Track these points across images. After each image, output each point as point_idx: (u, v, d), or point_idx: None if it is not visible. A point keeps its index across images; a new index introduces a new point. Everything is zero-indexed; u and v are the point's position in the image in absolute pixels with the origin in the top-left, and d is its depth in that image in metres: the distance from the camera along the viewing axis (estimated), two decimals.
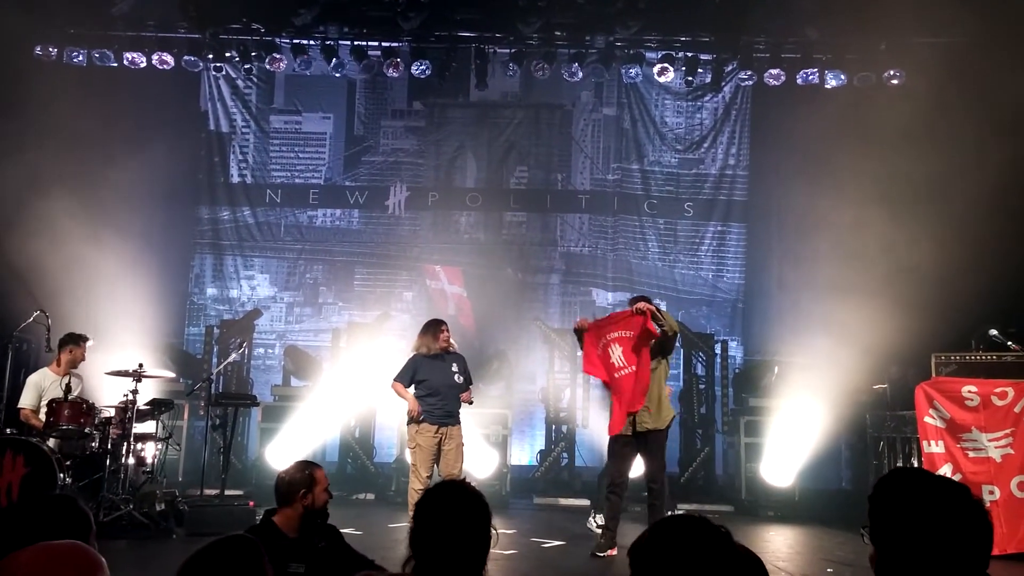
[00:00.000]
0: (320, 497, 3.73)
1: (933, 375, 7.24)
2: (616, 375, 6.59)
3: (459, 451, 6.78)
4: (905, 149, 8.82)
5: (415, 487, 6.69)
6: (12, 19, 9.08)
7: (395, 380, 6.78)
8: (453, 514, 2.24)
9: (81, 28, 10.59)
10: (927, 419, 6.80)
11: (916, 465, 7.39)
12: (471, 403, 6.92)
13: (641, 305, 6.55)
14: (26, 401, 7.21)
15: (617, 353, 6.58)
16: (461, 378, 6.74)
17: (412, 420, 6.70)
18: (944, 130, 8.44)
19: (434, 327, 6.86)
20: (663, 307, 7.67)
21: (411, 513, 6.74)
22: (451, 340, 6.90)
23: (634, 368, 6.53)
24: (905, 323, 8.65)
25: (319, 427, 9.60)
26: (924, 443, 6.80)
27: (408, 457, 6.98)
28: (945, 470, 6.56)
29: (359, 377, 9.56)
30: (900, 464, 7.82)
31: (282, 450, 9.29)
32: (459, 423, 6.82)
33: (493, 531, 2.33)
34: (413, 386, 6.77)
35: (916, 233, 8.44)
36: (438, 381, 6.70)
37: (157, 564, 5.82)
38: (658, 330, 6.42)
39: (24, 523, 2.21)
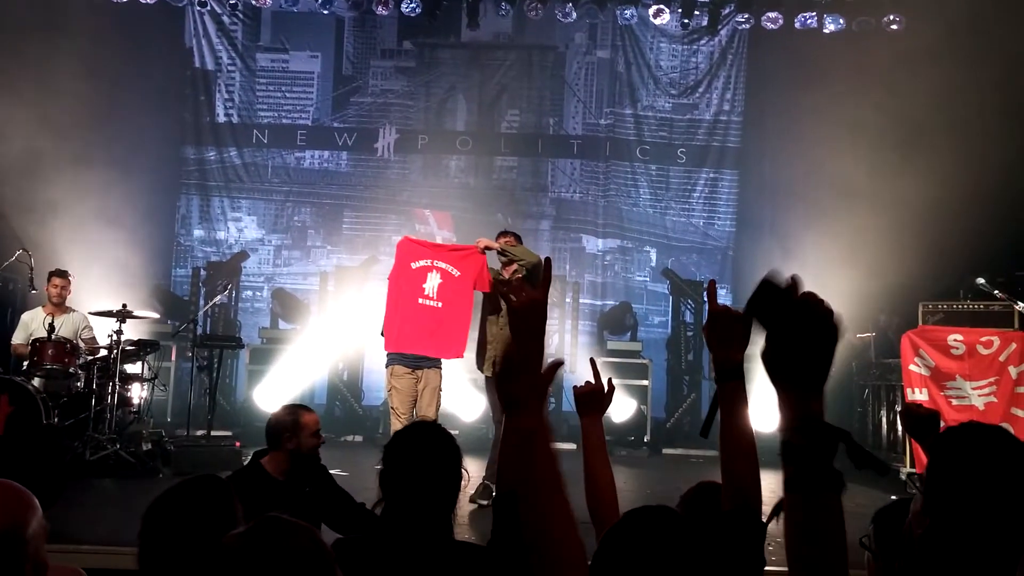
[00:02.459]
0: (307, 442, 3.65)
1: (920, 324, 7.26)
2: (418, 300, 6.11)
3: (433, 394, 6.69)
4: (900, 96, 8.71)
5: (395, 426, 6.71)
6: None
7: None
8: (421, 455, 2.23)
9: None
10: (912, 367, 6.84)
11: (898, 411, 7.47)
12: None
13: (482, 243, 6.12)
14: (15, 338, 7.26)
15: (433, 282, 6.14)
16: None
17: (390, 363, 6.71)
18: (941, 77, 8.32)
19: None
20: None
21: None
22: None
23: (440, 306, 6.10)
24: (893, 272, 8.67)
25: (307, 369, 9.61)
26: (908, 391, 6.85)
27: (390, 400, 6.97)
28: None
29: (347, 320, 9.54)
30: (884, 412, 7.90)
31: (270, 392, 9.31)
32: (437, 367, 6.77)
33: (464, 472, 2.33)
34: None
35: (907, 183, 8.38)
36: None
37: (143, 502, 5.79)
38: (491, 286, 6.04)
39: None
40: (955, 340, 6.76)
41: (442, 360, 6.70)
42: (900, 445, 7.45)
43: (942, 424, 2.71)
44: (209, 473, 2.14)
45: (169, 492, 1.94)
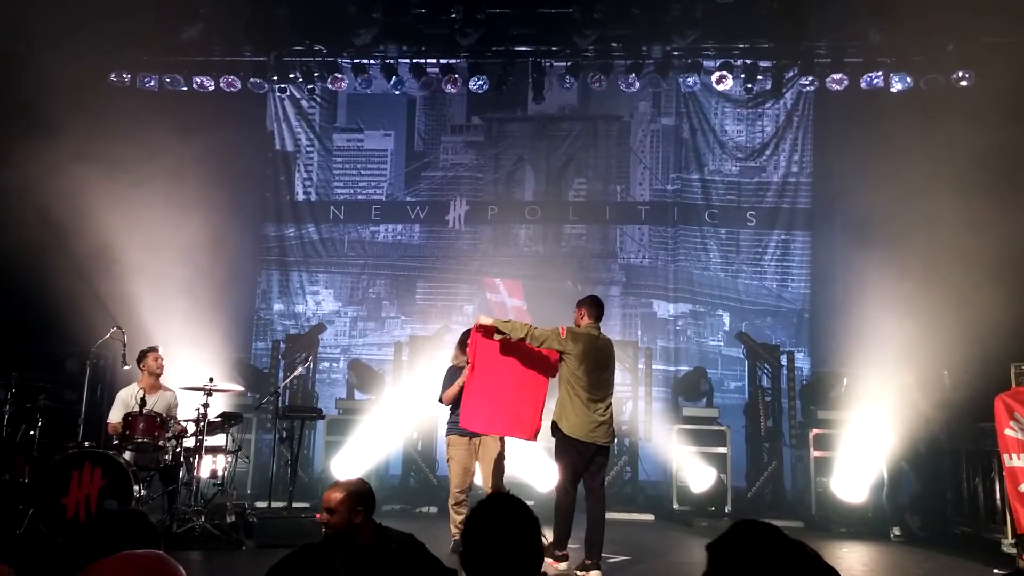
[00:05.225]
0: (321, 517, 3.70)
1: (1012, 385, 6.96)
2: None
3: (493, 464, 6.70)
4: (975, 153, 8.55)
5: (449, 502, 6.76)
6: (88, 47, 9.50)
7: (441, 394, 6.90)
8: (502, 530, 2.22)
9: (153, 55, 11.01)
10: (1007, 431, 6.55)
11: (997, 480, 7.13)
12: None
13: (479, 320, 6.34)
14: (113, 416, 7.40)
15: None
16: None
17: (447, 433, 6.81)
18: (1017, 132, 8.16)
19: (464, 341, 6.90)
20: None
21: (451, 529, 6.77)
22: None
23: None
24: (980, 331, 8.36)
25: (383, 440, 9.70)
26: (1005, 456, 6.54)
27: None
28: None
29: (421, 390, 9.64)
30: (979, 479, 7.54)
31: (347, 463, 9.42)
32: (496, 436, 6.76)
33: (543, 539, 2.32)
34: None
35: (988, 239, 8.16)
36: None
37: (228, 574, 5.95)
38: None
39: (98, 537, 2.27)
40: None
41: None
42: (999, 515, 7.09)
43: None
44: (314, 543, 2.20)
45: (282, 563, 2.02)
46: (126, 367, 7.60)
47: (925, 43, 10.22)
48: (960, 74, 10.20)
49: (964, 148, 8.63)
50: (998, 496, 7.14)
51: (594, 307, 6.36)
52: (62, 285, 9.14)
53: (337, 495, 3.66)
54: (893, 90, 10.47)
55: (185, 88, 11.10)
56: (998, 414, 6.64)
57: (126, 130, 9.57)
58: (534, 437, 6.42)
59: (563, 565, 5.98)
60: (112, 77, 10.92)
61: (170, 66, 11.06)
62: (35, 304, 9.24)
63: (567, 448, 6.06)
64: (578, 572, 5.87)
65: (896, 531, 8.02)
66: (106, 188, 9.08)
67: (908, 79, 10.41)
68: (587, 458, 6.06)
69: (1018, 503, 6.38)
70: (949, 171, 9.00)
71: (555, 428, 6.12)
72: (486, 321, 6.28)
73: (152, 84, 11.04)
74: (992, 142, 8.44)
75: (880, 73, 10.48)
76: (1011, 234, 8.10)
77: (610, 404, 6.20)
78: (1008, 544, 6.72)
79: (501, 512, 2.30)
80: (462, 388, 6.57)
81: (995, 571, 6.46)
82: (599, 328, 6.35)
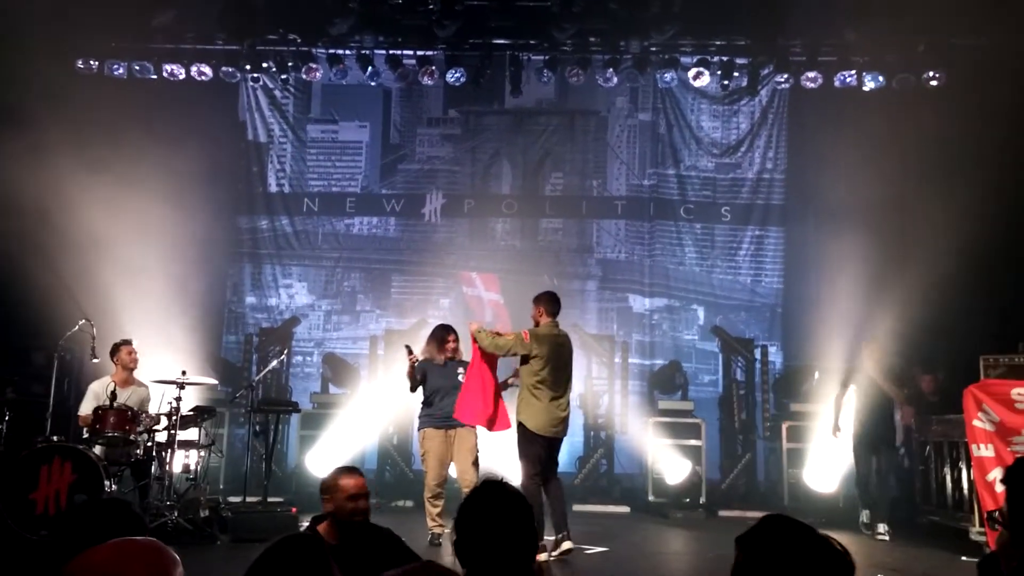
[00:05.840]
0: (342, 506, 3.43)
1: (982, 377, 7.09)
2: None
3: (469, 455, 6.73)
4: (946, 152, 8.69)
5: (425, 495, 6.76)
6: (53, 33, 9.29)
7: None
8: (496, 517, 2.20)
9: (121, 41, 10.77)
10: (976, 422, 6.67)
11: (965, 470, 7.25)
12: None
13: (472, 326, 6.67)
14: (84, 408, 7.27)
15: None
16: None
17: (421, 426, 6.89)
18: (986, 132, 8.30)
19: (440, 337, 6.92)
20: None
21: (428, 523, 6.78)
22: (459, 349, 6.96)
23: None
24: (950, 325, 8.50)
25: (358, 434, 9.65)
26: (973, 447, 6.66)
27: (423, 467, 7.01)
28: (995, 474, 6.43)
29: (397, 384, 9.59)
30: (947, 469, 7.66)
31: (321, 457, 9.36)
32: (471, 427, 6.78)
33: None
34: (421, 390, 6.98)
35: (958, 235, 8.29)
36: (440, 383, 6.75)
37: (202, 570, 5.86)
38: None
39: (84, 527, 2.22)
40: (1019, 394, 6.58)
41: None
42: (966, 504, 7.22)
43: None
44: (300, 532, 2.17)
45: (269, 552, 1.98)
46: (95, 360, 7.46)
47: (898, 43, 10.35)
48: (931, 74, 10.36)
49: (935, 146, 8.77)
50: (966, 486, 7.27)
51: (551, 303, 6.59)
52: (28, 276, 8.94)
53: (361, 479, 3.55)
54: (866, 89, 10.59)
55: (155, 76, 10.89)
56: (967, 405, 6.75)
57: (94, 118, 9.38)
58: (509, 424, 6.64)
59: (542, 556, 6.01)
60: (79, 64, 10.68)
61: (139, 53, 10.83)
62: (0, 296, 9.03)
63: (531, 442, 6.31)
64: (554, 552, 6.14)
65: (865, 518, 8.10)
66: (74, 177, 8.89)
67: (880, 78, 10.53)
68: (547, 450, 6.36)
69: (985, 491, 6.50)
70: (920, 168, 9.14)
71: (519, 425, 6.37)
72: (473, 328, 6.58)
73: (120, 72, 10.82)
74: (961, 140, 8.58)
75: (853, 72, 10.59)
76: (980, 230, 8.25)
77: (569, 400, 6.53)
78: (976, 532, 6.84)
79: (496, 498, 2.27)
80: (417, 377, 6.84)
81: (963, 558, 6.60)
82: (557, 324, 6.58)
